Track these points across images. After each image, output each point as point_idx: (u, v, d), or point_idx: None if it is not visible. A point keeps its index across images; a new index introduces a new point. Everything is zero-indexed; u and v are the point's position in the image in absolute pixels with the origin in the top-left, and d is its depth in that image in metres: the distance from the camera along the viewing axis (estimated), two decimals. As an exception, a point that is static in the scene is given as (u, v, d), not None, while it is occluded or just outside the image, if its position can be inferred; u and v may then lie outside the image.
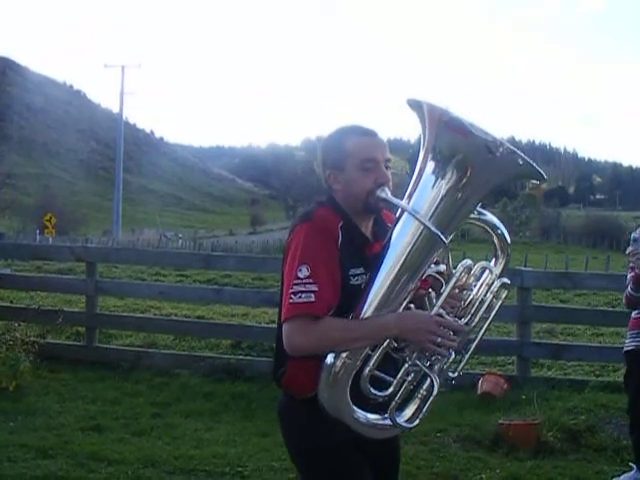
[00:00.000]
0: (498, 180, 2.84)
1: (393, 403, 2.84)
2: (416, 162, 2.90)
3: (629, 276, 5.89)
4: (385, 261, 2.82)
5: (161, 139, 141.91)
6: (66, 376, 8.52)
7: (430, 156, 2.82)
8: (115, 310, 11.63)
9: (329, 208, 2.96)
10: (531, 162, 2.71)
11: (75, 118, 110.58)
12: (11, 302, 10.70)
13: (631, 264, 5.86)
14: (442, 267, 2.89)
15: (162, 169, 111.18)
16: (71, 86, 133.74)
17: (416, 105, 2.85)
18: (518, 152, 2.70)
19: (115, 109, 70.29)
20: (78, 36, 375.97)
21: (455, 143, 2.75)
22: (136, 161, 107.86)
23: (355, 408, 2.85)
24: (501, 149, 2.69)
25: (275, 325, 3.02)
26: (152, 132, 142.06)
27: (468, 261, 2.92)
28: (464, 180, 2.75)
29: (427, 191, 2.81)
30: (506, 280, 2.97)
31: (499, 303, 2.95)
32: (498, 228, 2.98)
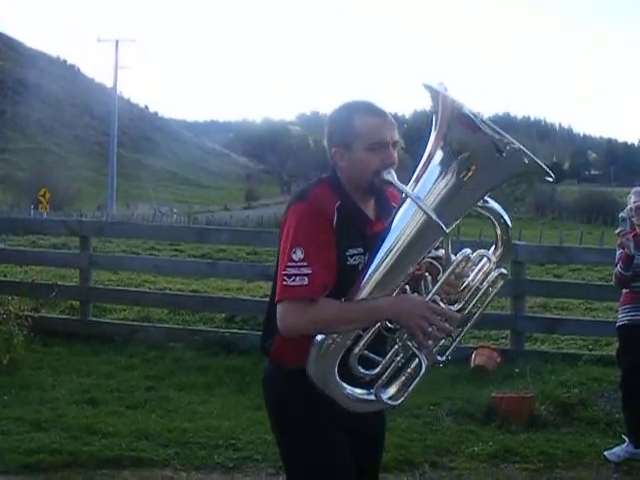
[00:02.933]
0: (503, 178, 2.89)
1: (380, 381, 2.86)
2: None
3: (617, 254, 5.93)
4: (384, 244, 2.83)
5: (155, 114, 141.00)
6: (60, 350, 8.55)
7: (440, 144, 2.83)
8: (109, 284, 11.62)
9: (327, 187, 2.94)
10: (538, 161, 2.73)
11: (69, 93, 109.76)
12: (4, 276, 10.68)
13: (620, 242, 5.89)
14: (440, 252, 2.89)
15: (156, 144, 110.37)
16: (65, 61, 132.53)
17: (431, 92, 2.87)
18: (525, 150, 2.71)
19: (109, 84, 69.96)
20: (71, 10, 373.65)
21: (465, 139, 2.76)
22: (130, 136, 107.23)
23: (343, 384, 2.86)
24: (508, 147, 2.70)
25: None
26: (146, 107, 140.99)
27: (467, 250, 2.93)
28: (469, 175, 2.77)
29: (432, 179, 2.82)
30: (503, 270, 2.99)
31: (494, 292, 2.97)
32: (502, 217, 3.00)
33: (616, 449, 5.98)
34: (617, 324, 6.17)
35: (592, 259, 9.76)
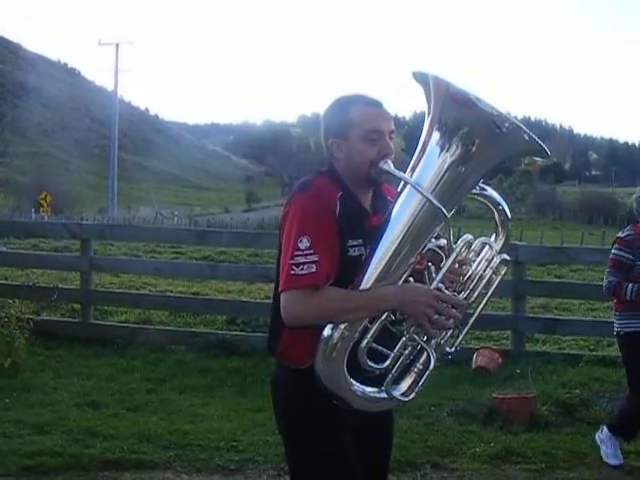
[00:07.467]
0: (503, 155, 2.84)
1: (390, 376, 2.84)
2: (419, 136, 2.89)
3: (613, 281, 5.74)
4: (386, 233, 2.81)
5: (156, 116, 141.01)
6: (61, 353, 8.55)
7: (435, 128, 2.81)
8: (110, 287, 11.63)
9: (328, 178, 2.94)
10: (536, 138, 2.72)
11: (69, 96, 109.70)
12: (5, 279, 10.67)
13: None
14: (442, 241, 2.89)
15: (157, 147, 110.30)
16: (65, 64, 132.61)
17: (422, 77, 2.85)
18: (524, 128, 2.70)
19: (110, 87, 70.01)
20: (72, 13, 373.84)
21: (461, 116, 2.74)
22: (131, 139, 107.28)
23: (352, 380, 2.85)
24: (507, 124, 2.68)
25: (271, 300, 3.01)
26: (147, 110, 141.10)
27: (469, 236, 2.92)
28: (469, 154, 2.75)
29: (430, 164, 2.80)
30: (506, 256, 2.97)
31: (498, 279, 2.94)
32: (499, 204, 2.98)
33: (603, 448, 5.86)
34: (623, 331, 5.79)
35: (593, 259, 9.73)
